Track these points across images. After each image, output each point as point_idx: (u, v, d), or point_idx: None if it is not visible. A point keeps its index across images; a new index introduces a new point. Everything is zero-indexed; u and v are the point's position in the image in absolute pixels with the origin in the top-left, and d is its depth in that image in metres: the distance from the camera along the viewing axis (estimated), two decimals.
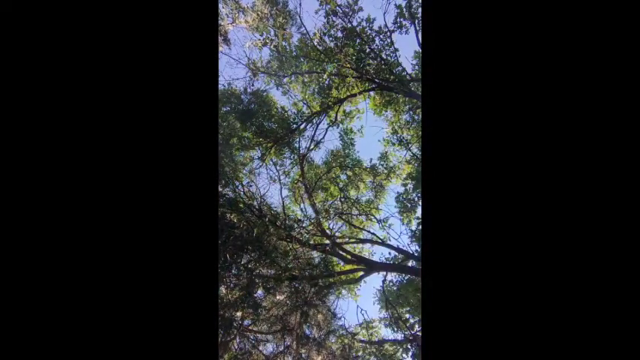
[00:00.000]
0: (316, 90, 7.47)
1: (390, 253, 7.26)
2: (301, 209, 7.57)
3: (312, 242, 6.58)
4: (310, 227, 6.78)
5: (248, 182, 6.44)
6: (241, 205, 5.69)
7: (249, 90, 7.30)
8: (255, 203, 5.92)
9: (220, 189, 5.59)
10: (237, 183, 6.19)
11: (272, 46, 7.07)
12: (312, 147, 7.40)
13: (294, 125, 7.32)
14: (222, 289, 4.96)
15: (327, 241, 6.68)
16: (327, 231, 7.00)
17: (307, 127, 7.42)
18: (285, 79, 7.44)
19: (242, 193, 6.09)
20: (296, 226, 6.26)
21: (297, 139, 7.34)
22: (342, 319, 6.37)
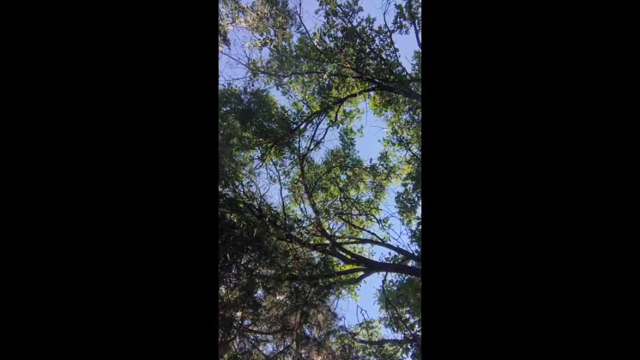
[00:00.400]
0: (316, 90, 7.48)
1: (390, 253, 7.26)
2: (301, 209, 7.58)
3: (312, 242, 6.58)
4: (310, 227, 6.78)
5: (248, 182, 6.45)
6: (241, 205, 5.69)
7: (249, 90, 7.31)
8: (255, 203, 5.92)
9: (220, 189, 5.59)
10: (237, 183, 6.19)
11: (272, 46, 7.07)
12: (312, 147, 7.41)
13: (294, 125, 7.32)
14: (222, 289, 4.96)
15: (327, 241, 6.68)
16: (327, 231, 7.00)
17: (307, 127, 7.42)
18: (285, 79, 7.44)
19: (242, 193, 6.09)
20: (296, 226, 6.26)
21: (297, 139, 7.34)
22: (342, 319, 6.37)
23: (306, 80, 7.43)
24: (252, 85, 7.31)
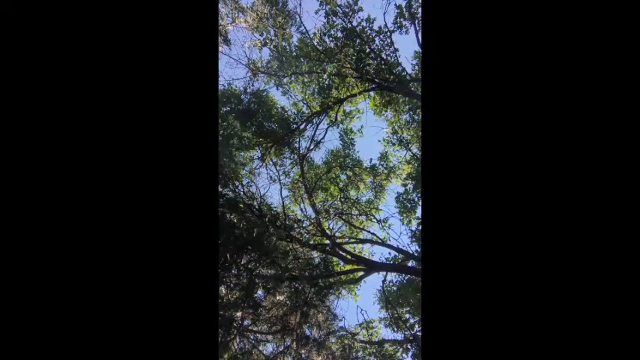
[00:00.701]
0: (316, 90, 7.47)
1: (390, 253, 7.26)
2: (301, 209, 7.58)
3: (312, 242, 6.58)
4: (310, 227, 6.78)
5: (248, 182, 6.45)
6: (241, 205, 5.69)
7: (249, 90, 7.30)
8: (255, 203, 5.92)
9: (220, 189, 5.59)
10: (237, 183, 6.20)
11: (272, 46, 7.07)
12: (312, 147, 7.40)
13: (294, 125, 7.32)
14: (222, 289, 4.96)
15: (327, 241, 6.68)
16: (327, 231, 7.00)
17: (307, 127, 7.42)
18: (285, 79, 7.44)
19: (242, 193, 6.09)
20: (296, 226, 6.26)
21: (297, 139, 7.34)
22: (342, 319, 6.37)
23: (306, 80, 7.43)
24: (252, 85, 7.31)
